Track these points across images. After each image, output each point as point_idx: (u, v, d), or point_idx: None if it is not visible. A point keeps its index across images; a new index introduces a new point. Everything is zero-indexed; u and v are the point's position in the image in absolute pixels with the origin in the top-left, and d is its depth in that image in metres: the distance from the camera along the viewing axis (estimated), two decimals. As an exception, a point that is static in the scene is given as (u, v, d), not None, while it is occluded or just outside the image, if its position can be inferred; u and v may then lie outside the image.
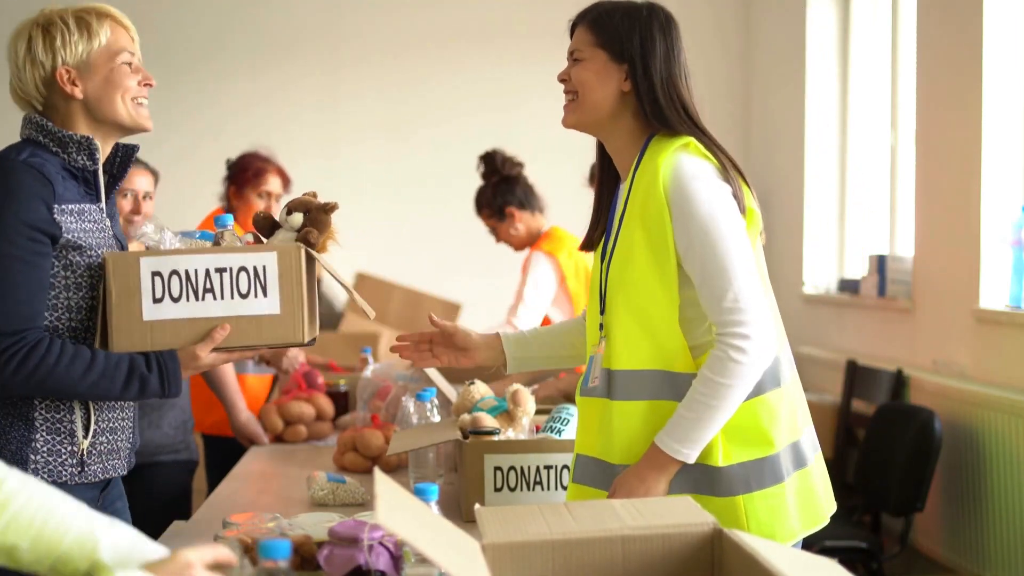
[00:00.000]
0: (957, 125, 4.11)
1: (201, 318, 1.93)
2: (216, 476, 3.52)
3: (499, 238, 4.01)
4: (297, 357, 3.66)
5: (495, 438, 2.29)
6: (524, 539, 1.45)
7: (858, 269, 5.35)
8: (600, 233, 2.05)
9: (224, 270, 1.92)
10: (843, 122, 5.48)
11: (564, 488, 2.23)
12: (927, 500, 3.74)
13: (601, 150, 2.06)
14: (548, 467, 2.25)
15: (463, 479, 2.28)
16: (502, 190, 3.91)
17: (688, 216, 1.82)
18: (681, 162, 1.85)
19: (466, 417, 2.38)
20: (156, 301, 1.90)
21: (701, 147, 1.88)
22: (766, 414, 1.85)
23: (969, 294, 4.01)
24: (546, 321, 4.02)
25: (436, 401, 2.73)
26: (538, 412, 2.54)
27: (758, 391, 1.84)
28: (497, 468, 2.24)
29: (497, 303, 4.91)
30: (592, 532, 1.46)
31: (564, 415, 2.40)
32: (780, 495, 1.85)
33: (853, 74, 5.41)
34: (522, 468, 2.24)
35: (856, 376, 4.65)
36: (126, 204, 3.02)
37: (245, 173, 3.75)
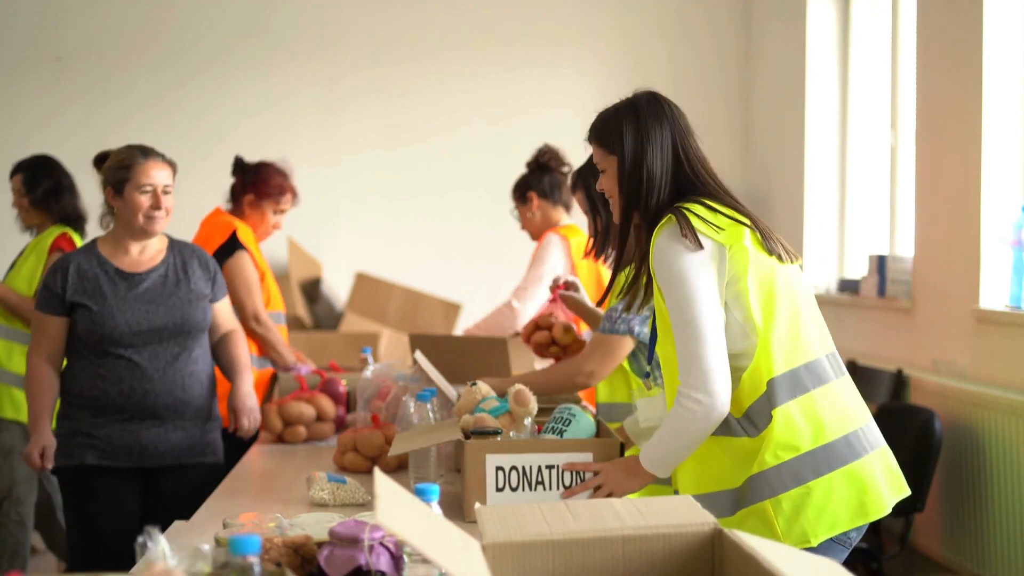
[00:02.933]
0: (957, 125, 4.11)
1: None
2: (223, 471, 3.53)
3: (521, 223, 4.13)
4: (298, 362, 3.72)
5: (497, 439, 2.31)
6: (524, 539, 1.45)
7: (858, 269, 5.35)
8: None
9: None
10: (843, 122, 5.48)
11: (566, 487, 2.27)
12: (927, 500, 3.74)
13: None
14: (550, 467, 2.26)
15: (465, 479, 2.29)
16: (530, 175, 4.05)
17: (664, 290, 2.09)
18: (657, 244, 2.09)
19: (468, 418, 2.38)
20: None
21: (675, 217, 2.07)
22: (784, 424, 2.04)
23: (969, 294, 4.01)
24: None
25: (436, 401, 2.72)
26: (540, 412, 2.55)
27: (773, 405, 2.04)
28: (499, 468, 2.25)
29: (497, 303, 4.91)
30: (592, 532, 1.46)
31: (566, 415, 2.41)
32: (807, 495, 2.02)
33: (853, 74, 5.41)
34: (524, 468, 2.26)
35: (856, 376, 4.63)
36: (145, 200, 2.94)
37: (267, 186, 3.78)
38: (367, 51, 6.25)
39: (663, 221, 2.09)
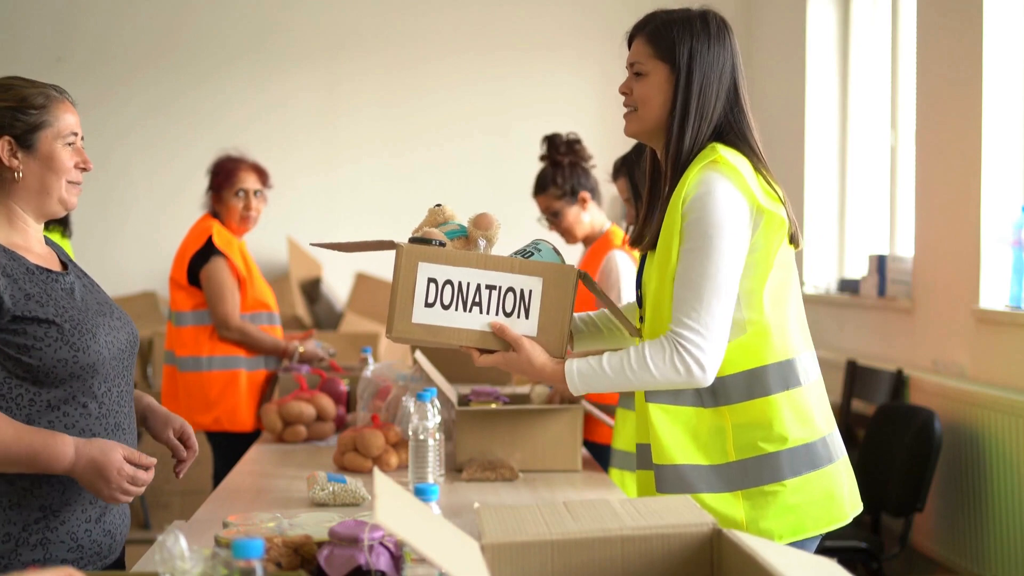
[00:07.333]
0: (957, 125, 4.11)
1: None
2: (223, 473, 3.53)
3: (561, 223, 3.65)
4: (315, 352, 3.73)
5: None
6: (523, 539, 1.45)
7: (858, 269, 5.35)
8: (651, 233, 2.07)
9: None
10: (843, 122, 5.49)
11: (507, 315, 1.99)
12: (927, 500, 3.74)
13: (653, 156, 2.11)
14: (491, 287, 1.97)
15: (392, 290, 2.00)
16: (578, 173, 3.63)
17: (693, 231, 1.91)
18: (702, 181, 1.92)
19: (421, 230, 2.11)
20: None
21: (728, 159, 1.93)
22: (770, 414, 1.95)
23: (969, 294, 4.02)
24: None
25: (436, 401, 2.72)
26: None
27: (763, 392, 1.95)
28: (431, 280, 1.96)
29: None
30: (592, 532, 1.46)
31: (531, 248, 2.10)
32: (781, 492, 1.94)
33: (853, 74, 5.41)
34: (460, 284, 1.97)
35: (856, 376, 4.65)
36: (69, 157, 1.98)
37: (217, 177, 3.80)
38: (367, 57, 6.28)
39: (711, 158, 1.92)
